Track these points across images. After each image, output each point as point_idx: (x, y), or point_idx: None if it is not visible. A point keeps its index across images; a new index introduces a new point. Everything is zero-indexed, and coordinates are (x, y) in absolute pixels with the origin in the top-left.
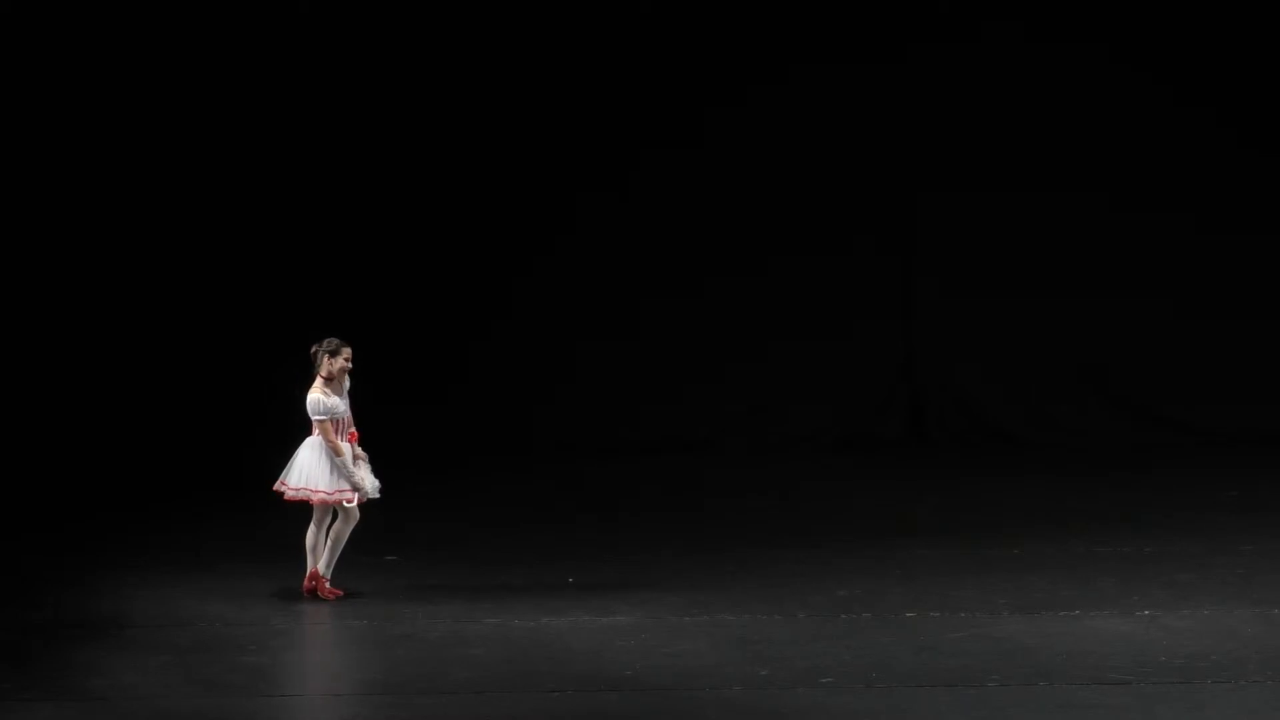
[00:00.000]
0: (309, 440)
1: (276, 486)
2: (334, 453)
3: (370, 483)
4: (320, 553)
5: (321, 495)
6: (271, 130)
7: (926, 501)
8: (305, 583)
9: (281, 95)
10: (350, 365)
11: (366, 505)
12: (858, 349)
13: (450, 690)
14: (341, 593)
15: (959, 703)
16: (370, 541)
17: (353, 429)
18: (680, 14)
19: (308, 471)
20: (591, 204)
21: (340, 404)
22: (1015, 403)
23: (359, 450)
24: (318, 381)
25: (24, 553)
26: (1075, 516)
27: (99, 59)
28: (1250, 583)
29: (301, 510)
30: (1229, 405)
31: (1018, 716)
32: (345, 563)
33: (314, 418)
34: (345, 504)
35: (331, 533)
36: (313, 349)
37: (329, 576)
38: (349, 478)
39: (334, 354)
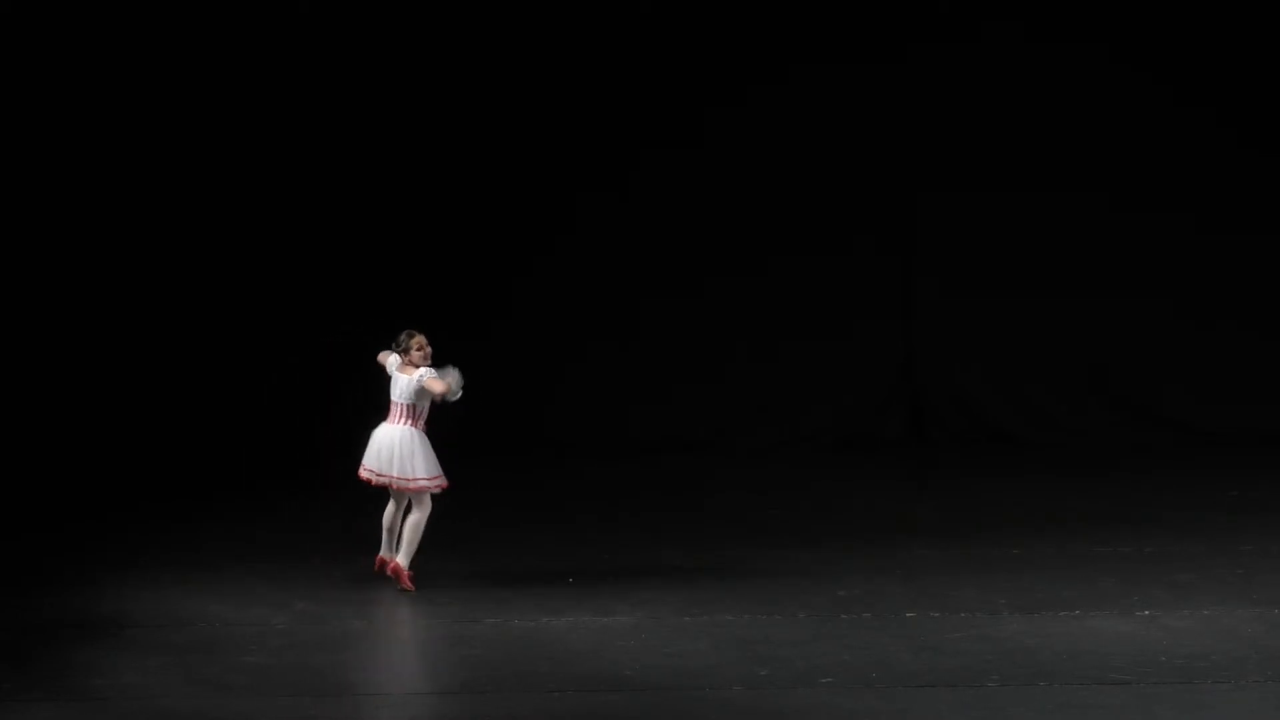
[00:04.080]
0: (393, 428)
1: (361, 473)
2: (446, 391)
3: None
4: (397, 540)
5: (421, 483)
6: (272, 130)
7: (926, 501)
8: (378, 563)
9: (282, 95)
10: (426, 351)
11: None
12: (858, 349)
13: (450, 690)
14: (413, 588)
15: (959, 703)
16: (370, 541)
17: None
18: (680, 14)
19: (401, 459)
20: (591, 204)
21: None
22: (1015, 403)
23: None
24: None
25: (24, 553)
26: (1075, 516)
27: (99, 59)
28: (1250, 583)
29: (298, 507)
30: (1229, 405)
31: (1018, 716)
32: (345, 562)
33: (426, 383)
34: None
35: (408, 523)
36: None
37: (409, 567)
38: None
39: (405, 350)
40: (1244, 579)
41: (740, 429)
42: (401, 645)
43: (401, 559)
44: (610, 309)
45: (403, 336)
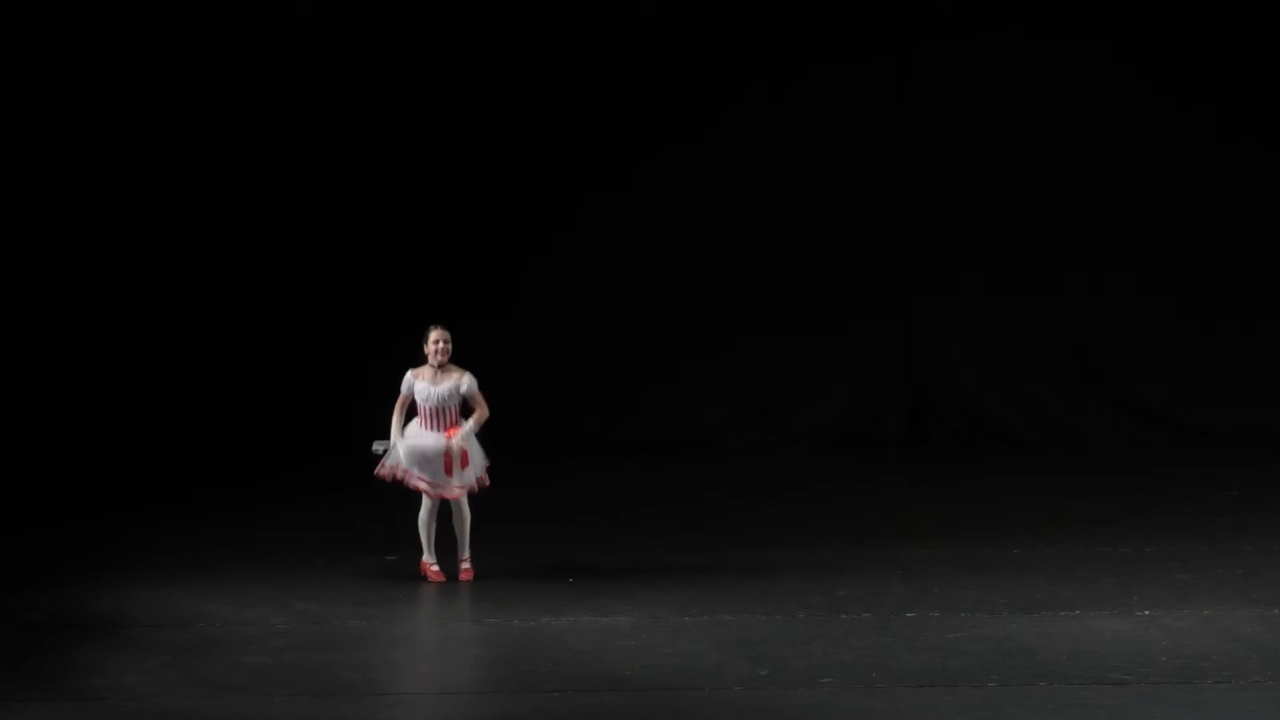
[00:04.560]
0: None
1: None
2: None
3: (397, 452)
4: (427, 539)
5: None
6: (275, 131)
7: (926, 501)
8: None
9: (284, 97)
10: (440, 347)
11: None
12: (858, 349)
13: (451, 690)
14: (443, 578)
15: (959, 703)
16: (370, 541)
17: (451, 425)
18: (680, 15)
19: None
20: (592, 204)
21: (427, 388)
22: (1015, 403)
23: (455, 442)
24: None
25: (24, 553)
26: (1075, 516)
27: (101, 60)
28: (1250, 583)
29: (298, 507)
30: (1229, 405)
31: (1018, 716)
32: (345, 562)
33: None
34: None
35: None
36: None
37: (433, 560)
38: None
39: (425, 339)
40: (1244, 579)
41: (741, 429)
42: (401, 645)
43: (426, 554)
44: (611, 308)
45: (428, 329)
